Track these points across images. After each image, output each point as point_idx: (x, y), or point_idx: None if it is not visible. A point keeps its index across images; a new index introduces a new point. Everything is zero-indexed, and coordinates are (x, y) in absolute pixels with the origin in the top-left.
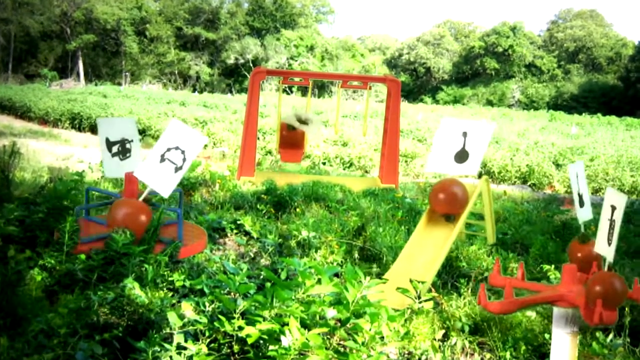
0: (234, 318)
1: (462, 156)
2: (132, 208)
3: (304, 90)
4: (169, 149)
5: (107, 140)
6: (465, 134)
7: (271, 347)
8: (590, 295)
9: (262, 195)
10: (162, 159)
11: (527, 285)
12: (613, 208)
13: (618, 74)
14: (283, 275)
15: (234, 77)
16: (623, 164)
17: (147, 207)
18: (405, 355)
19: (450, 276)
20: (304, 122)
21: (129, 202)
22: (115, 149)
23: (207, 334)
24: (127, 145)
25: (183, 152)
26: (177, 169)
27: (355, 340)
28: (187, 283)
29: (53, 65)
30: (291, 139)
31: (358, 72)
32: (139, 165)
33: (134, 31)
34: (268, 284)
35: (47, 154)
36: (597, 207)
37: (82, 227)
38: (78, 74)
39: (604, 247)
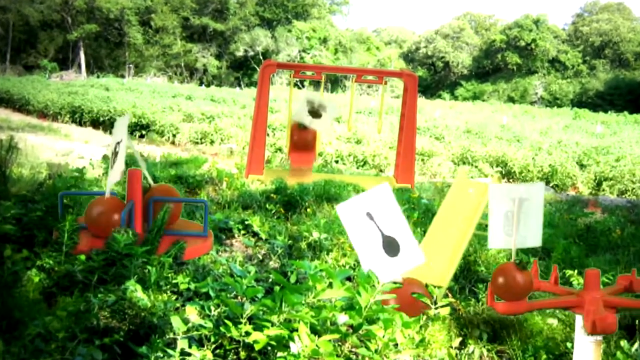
0: (240, 323)
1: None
2: (106, 205)
3: (316, 85)
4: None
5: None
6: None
7: (279, 354)
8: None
9: (272, 195)
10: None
11: (553, 288)
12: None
13: None
14: (292, 279)
15: (243, 70)
16: None
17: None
18: None
19: (468, 281)
20: (317, 110)
21: (102, 200)
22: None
23: (212, 339)
24: (117, 149)
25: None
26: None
27: (367, 348)
28: (192, 286)
29: (53, 56)
30: (302, 141)
31: (373, 66)
32: (112, 172)
33: (139, 21)
34: (277, 288)
35: (46, 149)
36: (622, 209)
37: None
38: (79, 66)
39: (499, 240)
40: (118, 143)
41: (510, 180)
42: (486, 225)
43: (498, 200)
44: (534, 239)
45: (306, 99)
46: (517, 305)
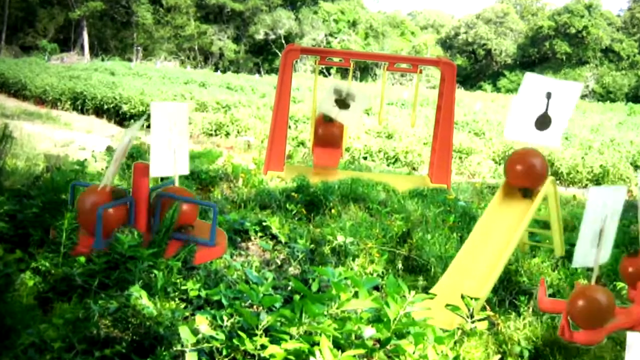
0: (256, 335)
1: (544, 122)
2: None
3: (343, 73)
4: (164, 132)
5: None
6: (549, 95)
7: None
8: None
9: (292, 194)
10: (163, 144)
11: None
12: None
13: None
14: (314, 287)
15: (263, 55)
16: None
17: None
18: None
19: (509, 293)
20: (345, 101)
21: (93, 190)
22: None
23: (224, 352)
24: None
25: (175, 127)
26: (181, 147)
27: None
28: (203, 293)
29: (53, 36)
30: (327, 135)
31: (407, 53)
32: (152, 163)
33: None
34: (296, 297)
35: (44, 139)
36: None
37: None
38: (82, 47)
39: (585, 256)
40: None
41: (557, 182)
42: (530, 233)
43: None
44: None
45: (333, 88)
46: (597, 334)
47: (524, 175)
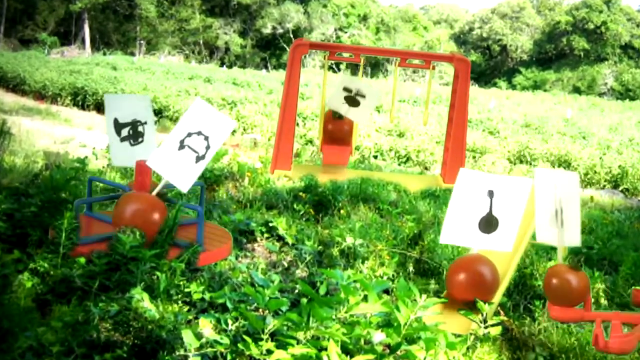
0: (261, 340)
1: (489, 223)
2: (144, 204)
3: (354, 68)
4: (189, 134)
5: (116, 121)
6: (491, 194)
7: None
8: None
9: (300, 193)
10: (182, 146)
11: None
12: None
13: None
14: (322, 290)
15: (271, 50)
16: None
17: (161, 203)
18: None
19: (523, 297)
20: (355, 97)
21: (139, 196)
22: (125, 132)
23: (228, 357)
24: (140, 128)
25: (207, 138)
26: (198, 159)
27: None
28: (207, 296)
29: (53, 29)
30: (337, 133)
31: (419, 49)
32: (154, 152)
33: None
34: (304, 300)
35: (43, 135)
36: None
37: (83, 224)
38: (83, 41)
39: (546, 233)
40: (141, 123)
41: None
42: None
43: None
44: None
45: (342, 84)
46: (631, 342)
47: (469, 287)
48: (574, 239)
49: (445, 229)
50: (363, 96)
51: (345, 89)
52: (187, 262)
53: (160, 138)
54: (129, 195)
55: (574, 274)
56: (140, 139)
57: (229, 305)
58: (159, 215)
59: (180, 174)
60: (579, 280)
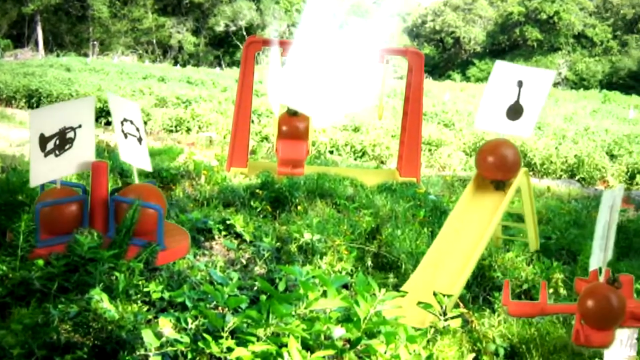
0: (221, 337)
1: (516, 111)
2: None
3: None
4: (122, 123)
5: (42, 136)
6: (520, 84)
7: None
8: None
9: (257, 190)
10: (125, 135)
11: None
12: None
13: None
14: (281, 287)
15: (224, 47)
16: None
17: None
18: None
19: (482, 289)
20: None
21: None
22: (50, 145)
23: (189, 356)
24: (70, 135)
25: (132, 121)
26: (139, 140)
27: None
28: (166, 295)
29: (6, 32)
30: (292, 129)
31: None
32: (121, 148)
33: None
34: (263, 297)
35: None
36: None
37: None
38: (36, 43)
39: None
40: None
41: (530, 173)
42: (503, 226)
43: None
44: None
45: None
46: (529, 307)
47: (496, 167)
48: (610, 253)
49: (479, 116)
50: None
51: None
52: (146, 261)
53: (114, 138)
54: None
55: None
56: (68, 146)
57: (188, 303)
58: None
59: (139, 158)
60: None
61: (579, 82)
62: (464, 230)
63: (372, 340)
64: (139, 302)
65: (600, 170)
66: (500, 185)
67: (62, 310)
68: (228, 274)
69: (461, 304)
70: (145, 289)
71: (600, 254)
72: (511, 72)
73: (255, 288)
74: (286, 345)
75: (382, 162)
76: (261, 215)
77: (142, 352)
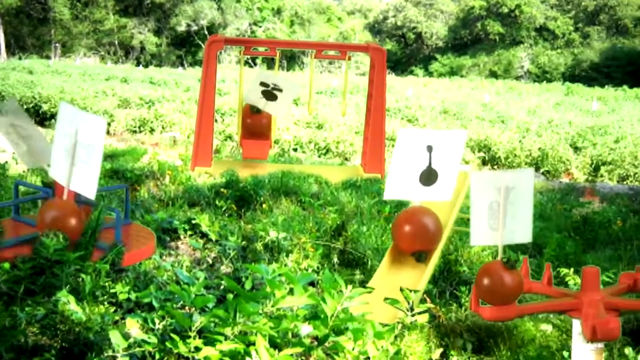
0: (189, 337)
1: (429, 176)
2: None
3: (270, 63)
4: (71, 141)
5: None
6: (430, 149)
7: None
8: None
9: (222, 189)
10: (69, 154)
11: (546, 290)
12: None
13: None
14: (248, 285)
15: (186, 47)
16: None
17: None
18: None
19: (449, 283)
20: (272, 91)
21: (59, 203)
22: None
23: (157, 356)
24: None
25: (88, 146)
26: (87, 164)
27: None
28: (133, 296)
29: None
30: (255, 128)
31: (335, 40)
32: (53, 164)
33: None
34: (230, 296)
35: None
36: (622, 197)
37: (9, 228)
38: None
39: (483, 236)
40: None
41: (495, 167)
42: (468, 220)
43: (481, 190)
44: (524, 233)
45: (259, 78)
46: (505, 311)
47: (415, 237)
48: (525, 235)
49: (389, 185)
50: (280, 90)
51: (262, 84)
52: (112, 262)
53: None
54: (50, 202)
55: (508, 272)
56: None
57: (155, 304)
58: (76, 221)
59: (81, 181)
60: (514, 279)
61: (541, 75)
62: None
63: (340, 337)
64: (105, 303)
65: (564, 163)
66: (421, 256)
67: (29, 313)
68: (194, 274)
69: (428, 299)
70: (112, 290)
71: (490, 232)
72: (419, 137)
73: (222, 287)
74: (254, 344)
75: (346, 159)
76: (226, 214)
77: (110, 353)
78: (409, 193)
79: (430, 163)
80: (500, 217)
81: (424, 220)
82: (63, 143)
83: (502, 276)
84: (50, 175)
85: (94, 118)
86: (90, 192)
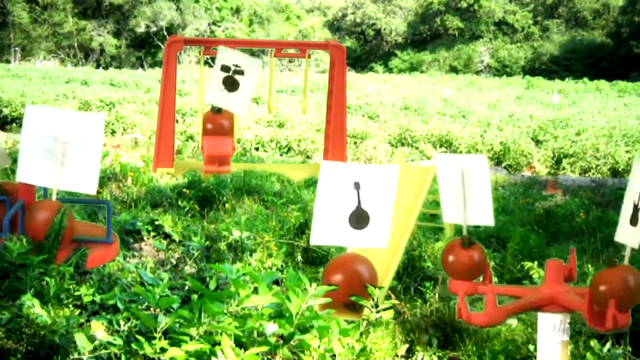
0: (155, 338)
1: (359, 218)
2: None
3: None
4: (53, 142)
5: None
6: (357, 186)
7: None
8: (599, 295)
9: (184, 190)
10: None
11: (504, 290)
12: None
13: (606, 30)
14: (212, 285)
15: (146, 48)
16: (616, 137)
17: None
18: None
19: (413, 279)
20: (233, 77)
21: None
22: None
23: (123, 358)
24: None
25: (74, 142)
26: (82, 162)
27: None
28: (97, 298)
29: None
30: (217, 127)
31: (294, 38)
32: (22, 167)
33: None
34: (194, 296)
35: None
36: (585, 190)
37: None
38: None
39: (627, 233)
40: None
41: None
42: (431, 215)
43: (445, 171)
44: (485, 217)
45: (220, 62)
46: (496, 315)
47: (347, 289)
48: (486, 218)
49: (315, 228)
50: (242, 73)
51: (224, 68)
52: (76, 265)
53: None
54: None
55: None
56: None
57: (120, 305)
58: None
59: (76, 180)
60: (474, 255)
61: (501, 69)
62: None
63: (305, 335)
64: (70, 306)
65: (526, 157)
66: (354, 306)
67: None
68: (158, 275)
69: (393, 296)
70: (77, 293)
71: (457, 212)
72: (345, 172)
73: (186, 287)
74: (219, 344)
75: (308, 157)
76: (189, 215)
77: (76, 356)
78: (338, 238)
79: (359, 203)
80: (462, 199)
81: (357, 269)
82: (41, 145)
83: (462, 253)
84: (19, 178)
85: (90, 116)
86: (90, 188)
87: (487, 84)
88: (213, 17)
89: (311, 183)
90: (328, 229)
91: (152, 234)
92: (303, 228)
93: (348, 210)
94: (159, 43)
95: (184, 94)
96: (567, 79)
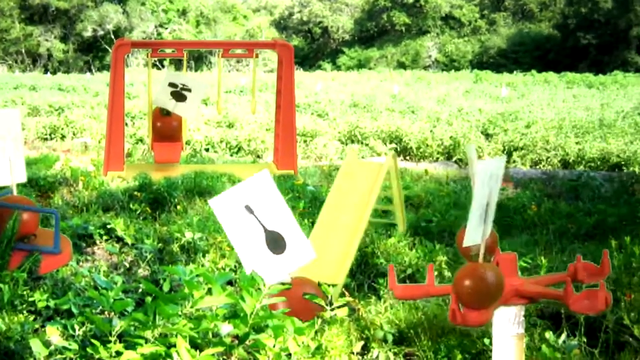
0: (110, 342)
1: (274, 241)
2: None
3: (177, 64)
4: None
5: None
6: (250, 209)
7: None
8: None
9: (135, 193)
10: None
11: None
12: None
13: (553, 22)
14: (166, 287)
15: (93, 52)
16: (566, 129)
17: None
18: None
19: (367, 276)
20: (181, 92)
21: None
22: None
23: None
24: None
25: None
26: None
27: None
28: (52, 303)
29: None
30: (166, 129)
31: (241, 38)
32: None
33: None
34: (148, 299)
35: None
36: (536, 182)
37: None
38: None
39: (476, 234)
40: None
41: (407, 158)
42: (383, 211)
43: (482, 179)
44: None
45: (167, 80)
46: (412, 290)
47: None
48: (488, 229)
49: (245, 265)
50: (189, 90)
51: (171, 85)
52: (29, 271)
53: None
54: None
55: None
56: None
57: (74, 310)
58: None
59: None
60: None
61: (449, 64)
62: (340, 218)
63: (260, 334)
64: (25, 312)
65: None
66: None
67: None
68: (112, 278)
69: (347, 293)
70: (31, 299)
71: (479, 228)
72: (232, 199)
73: (140, 290)
74: (175, 346)
75: (258, 157)
76: (141, 217)
77: None
78: (269, 269)
79: (263, 226)
80: (485, 210)
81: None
82: None
83: (487, 276)
84: None
85: (7, 111)
86: (20, 177)
87: (435, 79)
88: (160, 20)
89: None
90: (254, 262)
91: (105, 237)
92: None
93: (260, 238)
94: (107, 47)
95: (132, 97)
96: (515, 72)
